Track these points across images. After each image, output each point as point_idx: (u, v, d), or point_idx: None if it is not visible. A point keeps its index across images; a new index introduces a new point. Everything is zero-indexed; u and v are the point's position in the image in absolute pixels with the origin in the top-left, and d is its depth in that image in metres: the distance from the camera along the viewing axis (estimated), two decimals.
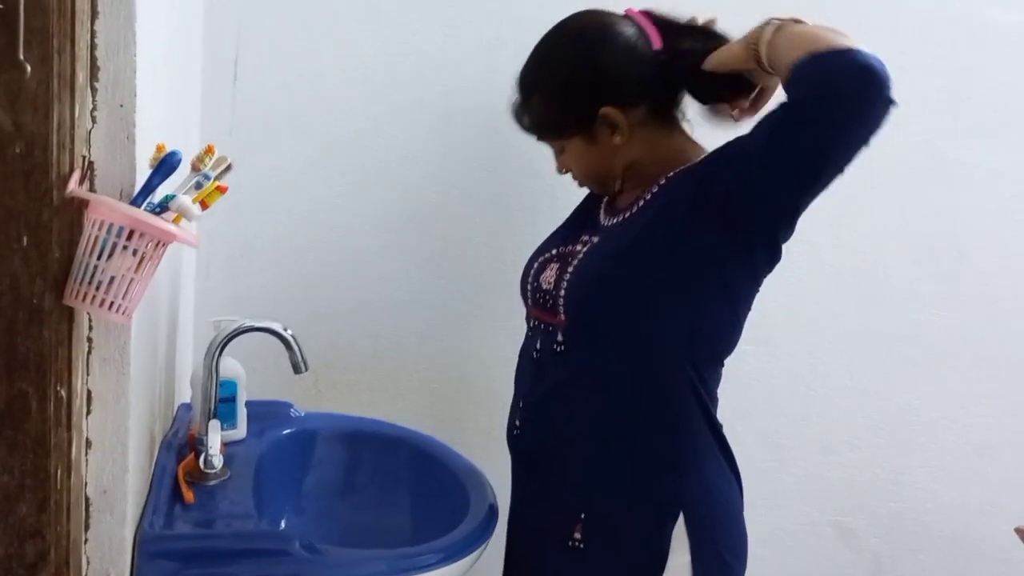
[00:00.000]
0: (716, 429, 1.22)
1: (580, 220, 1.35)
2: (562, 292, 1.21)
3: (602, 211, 1.31)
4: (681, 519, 1.16)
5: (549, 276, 1.26)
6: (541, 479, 1.28)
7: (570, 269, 1.22)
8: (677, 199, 1.16)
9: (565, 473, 1.24)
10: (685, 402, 1.18)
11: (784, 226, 1.14)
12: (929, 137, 1.83)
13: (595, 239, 1.25)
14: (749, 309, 1.22)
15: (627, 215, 1.22)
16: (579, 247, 1.26)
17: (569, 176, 1.31)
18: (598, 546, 1.20)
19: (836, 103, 1.02)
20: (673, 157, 1.21)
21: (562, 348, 1.22)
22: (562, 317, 1.21)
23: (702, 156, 1.20)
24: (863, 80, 1.00)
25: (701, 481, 1.19)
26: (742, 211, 1.11)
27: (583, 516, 1.20)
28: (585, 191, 1.38)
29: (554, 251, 1.31)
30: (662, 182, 1.20)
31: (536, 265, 1.31)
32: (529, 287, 1.31)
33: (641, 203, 1.21)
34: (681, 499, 1.17)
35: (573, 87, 1.20)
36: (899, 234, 1.87)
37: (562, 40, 1.23)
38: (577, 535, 1.20)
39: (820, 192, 1.09)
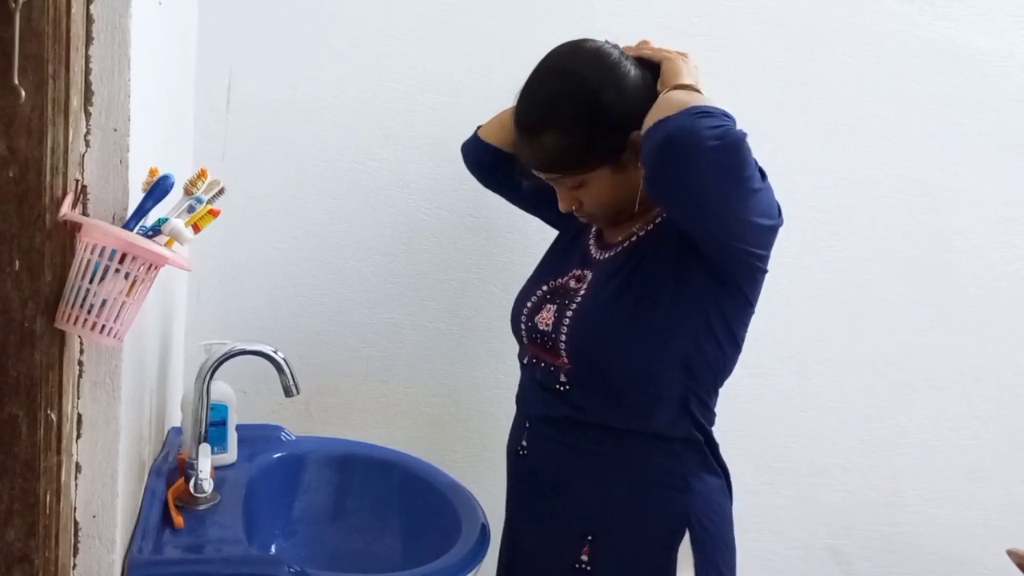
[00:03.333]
0: (713, 446, 1.23)
1: (566, 251, 1.33)
2: (563, 337, 1.20)
3: (591, 243, 1.29)
4: (687, 536, 1.17)
5: (546, 317, 1.24)
6: (547, 501, 1.26)
7: (569, 313, 1.21)
8: (666, 242, 1.17)
9: (572, 495, 1.23)
10: (687, 425, 1.19)
11: (747, 255, 1.13)
12: (916, 161, 1.85)
13: (589, 274, 1.24)
14: (747, 328, 1.22)
15: (619, 250, 1.22)
16: (572, 283, 1.26)
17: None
18: (606, 568, 1.20)
19: (663, 180, 1.07)
20: None
21: (566, 388, 1.22)
22: (565, 360, 1.21)
23: None
24: (669, 153, 1.03)
25: (704, 497, 1.20)
26: (705, 251, 1.13)
27: (590, 538, 1.20)
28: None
29: (545, 287, 1.29)
30: (658, 220, 1.21)
31: (530, 304, 1.29)
32: (523, 326, 1.29)
33: (634, 239, 1.22)
34: (687, 516, 1.18)
35: (600, 114, 1.13)
36: (888, 257, 1.88)
37: (575, 69, 1.16)
38: (584, 557, 1.20)
39: (745, 224, 1.08)
